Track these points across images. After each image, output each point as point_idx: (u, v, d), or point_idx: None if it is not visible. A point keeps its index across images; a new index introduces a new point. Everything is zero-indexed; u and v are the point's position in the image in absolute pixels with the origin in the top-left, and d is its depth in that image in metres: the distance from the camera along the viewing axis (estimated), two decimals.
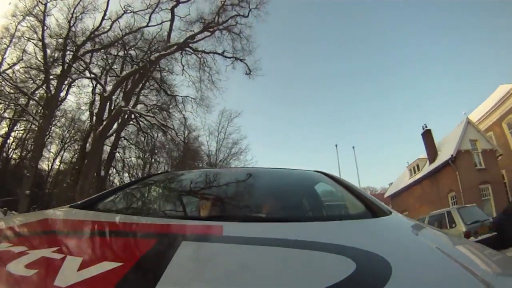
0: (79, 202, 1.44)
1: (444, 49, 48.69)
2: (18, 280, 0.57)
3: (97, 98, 19.42)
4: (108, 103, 17.20)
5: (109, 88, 17.23)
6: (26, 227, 1.04)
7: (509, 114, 24.31)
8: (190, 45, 18.60)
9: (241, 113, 28.85)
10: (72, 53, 16.16)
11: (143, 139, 21.59)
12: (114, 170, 23.13)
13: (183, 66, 19.18)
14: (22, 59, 16.97)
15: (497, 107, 25.06)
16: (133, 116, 17.99)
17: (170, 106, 20.33)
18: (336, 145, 27.76)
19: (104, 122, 15.85)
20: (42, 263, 0.64)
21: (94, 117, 19.39)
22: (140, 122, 18.86)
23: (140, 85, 19.01)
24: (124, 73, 17.61)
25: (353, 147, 32.00)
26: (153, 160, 24.84)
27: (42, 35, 16.27)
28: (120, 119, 18.85)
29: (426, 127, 23.55)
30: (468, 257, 0.87)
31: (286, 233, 0.93)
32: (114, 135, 20.57)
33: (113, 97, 17.01)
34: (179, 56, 18.96)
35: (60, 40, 16.52)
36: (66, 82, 17.42)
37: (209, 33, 18.70)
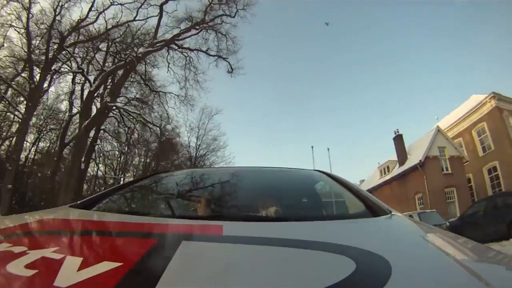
0: (78, 202, 1.46)
1: (428, 57, 50.71)
2: (18, 280, 0.57)
3: (77, 88, 19.32)
4: (93, 98, 17.25)
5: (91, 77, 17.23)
6: (26, 227, 1.04)
7: (479, 123, 26.13)
8: (176, 42, 18.79)
9: (222, 110, 29.32)
10: (57, 43, 15.82)
11: (121, 130, 21.49)
12: (94, 163, 23.06)
13: (168, 63, 19.38)
14: (3, 45, 16.30)
15: (469, 115, 26.87)
16: (115, 108, 18.05)
17: (153, 101, 20.42)
18: (312, 147, 29.23)
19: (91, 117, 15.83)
20: (42, 263, 0.64)
21: (75, 109, 19.36)
22: (123, 116, 18.85)
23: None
24: (108, 67, 17.51)
25: (328, 149, 33.12)
26: (133, 153, 24.92)
27: (27, 23, 15.76)
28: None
29: (398, 132, 25.18)
30: (468, 256, 0.87)
31: (286, 232, 0.95)
32: (94, 128, 20.39)
33: (91, 89, 16.88)
34: (165, 52, 19.15)
35: (45, 30, 15.95)
36: (50, 73, 17.11)
37: (195, 31, 18.95)
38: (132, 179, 24.69)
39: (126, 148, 23.62)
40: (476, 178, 24.90)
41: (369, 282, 0.59)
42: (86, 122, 15.40)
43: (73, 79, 18.77)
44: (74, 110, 20.02)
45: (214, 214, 1.44)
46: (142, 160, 26.27)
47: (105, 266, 0.61)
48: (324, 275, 0.61)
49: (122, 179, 24.75)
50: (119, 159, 25.56)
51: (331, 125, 55.84)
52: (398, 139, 25.24)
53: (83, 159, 16.34)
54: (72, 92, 19.85)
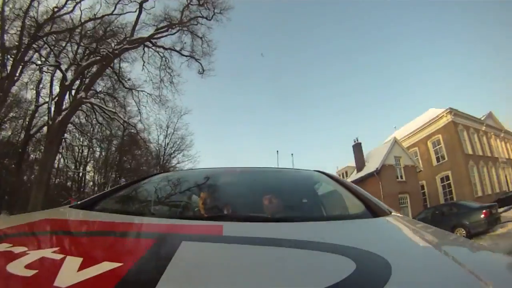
0: (79, 202, 1.45)
1: (394, 70, 54.02)
2: (18, 280, 0.57)
3: (44, 77, 18.38)
4: (68, 92, 16.66)
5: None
6: (26, 227, 1.03)
7: (435, 135, 28.01)
8: (152, 40, 18.56)
9: (191, 110, 30.45)
10: (32, 32, 15.08)
11: (84, 120, 20.98)
12: (60, 156, 22.21)
13: (144, 61, 19.15)
14: None
15: (426, 127, 28.72)
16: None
17: (125, 97, 20.06)
18: (277, 151, 30.57)
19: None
20: (42, 264, 0.64)
21: (41, 99, 18.42)
22: (95, 111, 18.43)
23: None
24: (82, 61, 17.01)
25: (292, 154, 34.49)
26: (95, 146, 24.42)
27: (2, 7, 14.68)
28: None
29: (357, 140, 26.59)
30: (467, 256, 0.86)
31: (286, 233, 0.94)
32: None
33: (66, 82, 16.24)
34: (141, 50, 18.87)
35: (19, 16, 14.97)
36: (23, 64, 16.18)
37: (172, 31, 18.91)
38: (89, 169, 24.42)
39: (92, 142, 23.07)
40: (429, 185, 26.96)
41: (369, 282, 0.59)
42: (61, 117, 14.95)
43: (41, 68, 17.80)
44: (41, 100, 19.07)
45: (214, 215, 1.42)
46: (104, 153, 25.77)
47: (105, 266, 0.61)
48: (324, 275, 0.61)
49: (81, 172, 24.10)
50: (81, 152, 24.82)
51: (297, 133, 57.83)
52: (357, 147, 26.50)
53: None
54: (39, 81, 18.72)
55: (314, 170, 2.16)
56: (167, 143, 29.14)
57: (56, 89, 17.64)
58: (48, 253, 0.69)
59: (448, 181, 25.94)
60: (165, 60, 19.57)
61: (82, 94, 15.77)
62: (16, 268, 0.61)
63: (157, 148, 27.41)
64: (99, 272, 0.59)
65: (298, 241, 0.84)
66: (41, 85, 19.02)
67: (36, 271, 0.60)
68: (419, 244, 0.92)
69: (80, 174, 23.97)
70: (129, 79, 19.36)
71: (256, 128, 59.26)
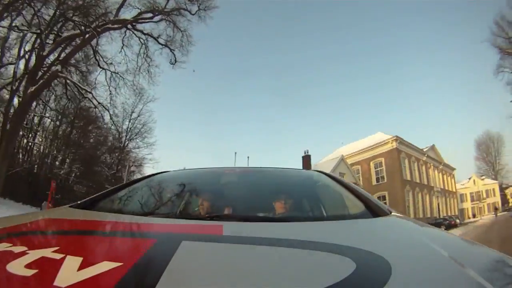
0: (79, 202, 1.43)
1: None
2: (18, 280, 0.57)
3: (12, 35, 16.77)
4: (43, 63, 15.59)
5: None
6: (26, 227, 1.02)
7: (378, 157, 30.48)
8: (134, 24, 18.29)
9: (158, 99, 30.17)
10: None
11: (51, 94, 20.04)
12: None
13: (123, 44, 18.76)
14: None
15: (371, 148, 31.13)
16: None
17: (92, 72, 19.38)
18: (235, 153, 31.51)
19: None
20: (42, 263, 0.64)
21: (5, 59, 17.21)
22: (68, 87, 17.46)
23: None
24: (61, 33, 16.32)
25: (248, 157, 35.43)
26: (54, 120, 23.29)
27: None
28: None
29: (307, 152, 28.09)
30: (468, 257, 0.83)
31: (286, 233, 0.93)
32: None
33: (43, 53, 15.34)
34: (122, 32, 18.45)
35: None
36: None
37: (156, 19, 18.82)
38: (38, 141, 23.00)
39: (46, 110, 21.84)
40: None
41: (369, 282, 0.59)
42: (34, 88, 14.38)
43: (10, 24, 16.17)
44: (4, 60, 17.46)
45: (214, 214, 1.35)
46: (57, 124, 24.27)
47: (105, 266, 0.61)
48: (324, 275, 0.61)
49: (31, 142, 22.62)
50: (31, 119, 22.68)
51: (254, 135, 59.55)
52: (306, 158, 27.71)
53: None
54: (5, 40, 16.99)
55: (315, 170, 2.17)
56: (130, 128, 29.23)
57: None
58: (48, 252, 0.69)
59: (384, 201, 28.04)
60: (145, 48, 19.33)
61: (58, 67, 15.18)
62: (16, 267, 0.61)
63: (119, 131, 27.15)
64: (99, 272, 0.59)
65: (298, 241, 0.84)
66: (6, 44, 17.33)
67: (36, 270, 0.60)
68: (419, 244, 0.89)
69: (30, 144, 22.93)
70: (107, 59, 18.80)
71: (217, 128, 60.24)
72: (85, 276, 0.57)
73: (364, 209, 1.26)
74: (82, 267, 0.61)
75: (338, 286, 0.56)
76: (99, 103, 17.55)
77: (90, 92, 17.06)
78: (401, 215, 1.26)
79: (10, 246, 0.74)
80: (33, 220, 1.15)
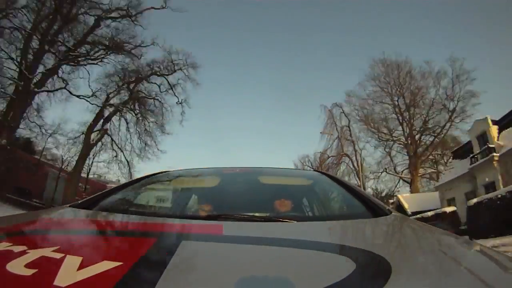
0: (79, 202, 1.43)
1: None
2: (18, 279, 0.57)
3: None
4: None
5: None
6: (26, 227, 1.03)
7: None
8: None
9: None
10: None
11: None
12: None
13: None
14: None
15: None
16: None
17: None
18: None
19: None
20: (42, 263, 0.63)
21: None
22: None
23: None
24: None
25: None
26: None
27: None
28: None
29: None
30: (468, 257, 0.85)
31: (286, 232, 0.94)
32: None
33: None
34: None
35: None
36: None
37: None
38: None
39: None
40: None
41: (369, 282, 0.60)
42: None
43: None
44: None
45: (214, 214, 1.37)
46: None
47: (105, 265, 0.61)
48: (324, 275, 0.60)
49: None
50: None
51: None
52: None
53: None
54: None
55: (315, 170, 2.30)
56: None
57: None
58: (48, 252, 0.68)
59: None
60: None
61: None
62: (16, 267, 0.61)
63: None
64: (99, 271, 0.59)
65: (298, 241, 0.84)
66: None
67: (36, 270, 0.60)
68: (419, 244, 0.90)
69: None
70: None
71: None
72: (85, 276, 0.57)
73: (364, 209, 1.27)
74: (82, 266, 0.61)
75: (338, 286, 0.55)
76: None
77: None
78: (401, 215, 1.27)
79: (10, 246, 0.74)
80: (33, 219, 1.16)
